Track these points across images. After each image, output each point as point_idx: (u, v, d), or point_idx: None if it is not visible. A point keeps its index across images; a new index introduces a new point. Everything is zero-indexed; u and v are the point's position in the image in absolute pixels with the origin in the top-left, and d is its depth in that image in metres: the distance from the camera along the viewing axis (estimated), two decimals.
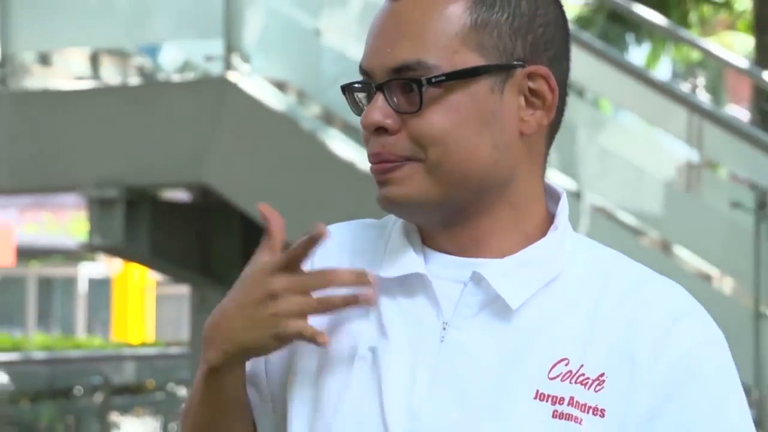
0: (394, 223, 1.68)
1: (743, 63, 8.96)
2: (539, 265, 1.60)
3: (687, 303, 1.62)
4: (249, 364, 1.68)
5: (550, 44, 1.61)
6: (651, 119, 7.68)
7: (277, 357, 1.68)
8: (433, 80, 1.55)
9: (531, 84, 1.59)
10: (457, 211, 1.59)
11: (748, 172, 6.65)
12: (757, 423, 5.59)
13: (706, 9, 14.39)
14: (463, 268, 1.60)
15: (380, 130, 1.58)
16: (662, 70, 16.57)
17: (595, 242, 1.67)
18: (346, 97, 1.64)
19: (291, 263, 1.58)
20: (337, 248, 1.67)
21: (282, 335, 1.58)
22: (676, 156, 7.09)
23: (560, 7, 1.64)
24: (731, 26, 17.25)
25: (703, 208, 6.64)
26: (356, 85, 1.62)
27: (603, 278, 1.61)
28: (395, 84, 1.57)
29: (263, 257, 1.60)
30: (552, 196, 1.66)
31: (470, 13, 1.57)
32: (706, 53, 9.40)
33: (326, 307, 1.58)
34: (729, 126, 6.70)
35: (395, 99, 1.57)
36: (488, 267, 1.58)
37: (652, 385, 1.55)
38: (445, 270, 1.61)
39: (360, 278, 1.57)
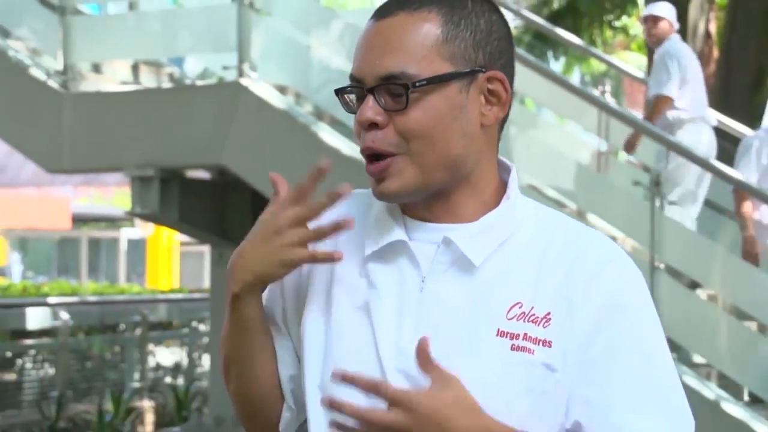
0: None
1: (639, 74, 8.98)
2: (496, 228, 1.60)
3: (613, 250, 1.63)
4: (267, 310, 1.69)
5: (502, 54, 1.62)
6: (568, 116, 7.69)
7: (291, 305, 1.69)
8: (417, 85, 1.55)
9: (489, 86, 1.60)
10: (435, 192, 1.59)
11: (644, 158, 6.67)
12: None
13: (608, 33, 14.40)
14: (436, 232, 1.61)
15: (372, 125, 1.58)
16: (574, 79, 16.61)
17: (541, 204, 1.67)
18: (339, 99, 1.64)
19: (300, 196, 1.59)
20: (334, 216, 1.65)
21: (288, 262, 1.59)
22: (588, 144, 7.11)
23: (507, 24, 1.65)
24: (627, 47, 17.28)
25: (609, 185, 6.66)
26: (348, 89, 1.62)
27: (547, 234, 1.61)
28: (383, 88, 1.57)
29: (271, 207, 1.61)
30: (504, 168, 1.66)
31: (441, 30, 1.57)
32: (611, 66, 9.43)
33: (319, 235, 1.59)
34: (629, 122, 6.72)
35: (383, 100, 1.57)
36: (456, 232, 1.59)
37: (586, 319, 1.56)
38: (422, 234, 1.62)
39: (331, 197, 1.59)
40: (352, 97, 1.62)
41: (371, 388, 1.49)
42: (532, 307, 1.56)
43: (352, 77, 1.60)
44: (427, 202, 1.61)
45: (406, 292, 1.59)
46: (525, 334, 1.54)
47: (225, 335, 1.69)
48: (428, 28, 1.57)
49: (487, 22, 1.60)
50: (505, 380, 1.53)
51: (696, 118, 6.95)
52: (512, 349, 1.54)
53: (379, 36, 1.58)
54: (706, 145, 6.84)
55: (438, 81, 1.56)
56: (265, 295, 1.70)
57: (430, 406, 1.48)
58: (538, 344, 1.54)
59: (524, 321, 1.55)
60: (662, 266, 5.87)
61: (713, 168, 6.16)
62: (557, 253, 1.59)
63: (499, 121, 1.63)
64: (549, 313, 1.55)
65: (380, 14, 1.60)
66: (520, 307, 1.56)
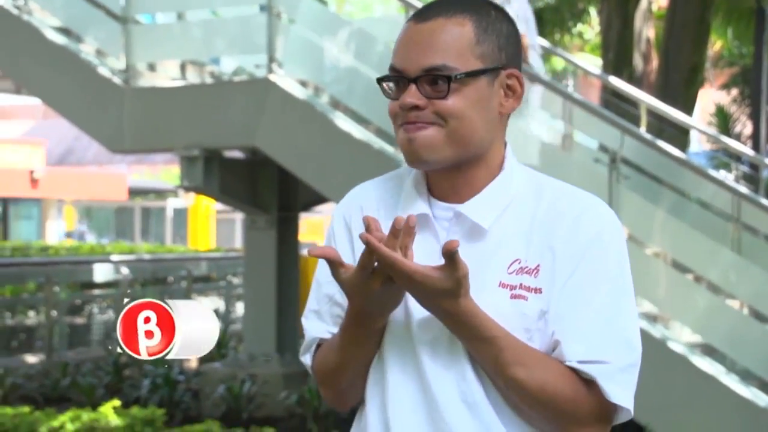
0: (408, 174, 1.67)
1: (596, 70, 8.93)
2: (498, 194, 1.60)
3: (592, 199, 1.62)
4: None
5: (516, 55, 1.63)
6: (538, 104, 7.62)
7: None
8: (458, 77, 1.56)
9: (509, 81, 1.61)
10: (459, 163, 1.59)
11: (603, 139, 6.62)
12: None
13: (567, 37, 14.38)
14: (450, 210, 1.61)
15: (413, 108, 1.56)
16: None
17: (534, 171, 1.67)
18: (380, 86, 1.61)
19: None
20: (375, 201, 1.67)
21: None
22: (556, 127, 7.05)
23: (518, 31, 1.65)
24: (582, 49, 17.24)
25: (574, 162, 6.61)
26: (389, 78, 1.60)
27: (539, 196, 1.60)
28: (425, 79, 1.56)
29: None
30: (504, 145, 1.66)
31: (474, 34, 1.58)
32: (571, 63, 9.37)
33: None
34: (589, 109, 6.68)
35: (425, 88, 1.56)
36: (464, 206, 1.59)
37: (569, 259, 1.55)
38: (440, 212, 1.62)
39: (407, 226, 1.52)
40: (391, 85, 1.60)
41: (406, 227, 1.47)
42: (527, 261, 1.56)
43: (393, 68, 1.59)
44: (450, 176, 1.60)
45: (431, 256, 1.57)
46: (521, 284, 1.55)
47: (340, 345, 1.62)
48: (463, 31, 1.57)
49: (507, 28, 1.62)
50: (506, 322, 1.54)
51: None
52: (511, 297, 1.55)
53: (420, 35, 1.58)
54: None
55: (473, 75, 1.57)
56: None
57: (466, 270, 1.48)
58: (531, 292, 1.55)
59: (520, 274, 1.56)
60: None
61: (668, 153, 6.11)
62: (545, 211, 1.59)
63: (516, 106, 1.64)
64: (539, 265, 1.56)
65: (421, 18, 1.59)
66: (519, 263, 1.56)
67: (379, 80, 1.62)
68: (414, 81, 1.56)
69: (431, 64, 1.56)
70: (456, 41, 1.57)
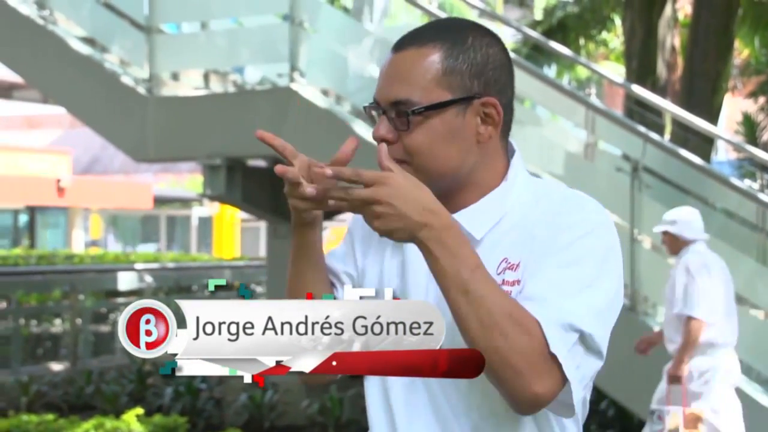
0: None
1: (619, 78, 8.90)
2: (493, 206, 1.60)
3: (581, 196, 1.60)
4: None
5: (498, 81, 1.60)
6: (561, 113, 7.61)
7: (360, 258, 1.72)
8: (416, 111, 1.55)
9: (485, 110, 1.58)
10: (441, 191, 1.57)
11: (626, 148, 6.59)
12: (631, 307, 5.57)
13: (591, 45, 14.32)
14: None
15: (384, 140, 1.57)
16: (564, 83, 16.52)
17: (538, 178, 1.66)
18: (365, 112, 1.65)
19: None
20: None
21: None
22: (578, 137, 7.03)
23: (505, 52, 1.62)
24: (606, 57, 17.19)
25: (596, 170, 6.59)
26: (371, 106, 1.62)
27: (535, 202, 1.59)
28: (393, 111, 1.57)
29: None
30: (513, 153, 1.65)
31: (442, 64, 1.56)
32: (595, 72, 9.34)
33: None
34: (612, 118, 6.66)
35: (393, 121, 1.57)
36: (458, 215, 1.59)
37: (543, 245, 1.54)
38: None
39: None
40: (375, 112, 1.62)
41: (352, 175, 1.47)
42: (511, 258, 1.56)
43: (374, 98, 1.61)
44: (440, 197, 1.58)
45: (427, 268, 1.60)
46: (504, 281, 1.55)
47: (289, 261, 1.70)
48: (431, 62, 1.56)
49: (484, 55, 1.58)
50: None
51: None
52: None
53: (392, 66, 1.59)
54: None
55: (435, 108, 1.55)
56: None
57: (399, 179, 1.46)
58: (511, 285, 1.54)
59: (506, 270, 1.56)
60: (640, 238, 5.82)
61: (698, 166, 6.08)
62: (538, 214, 1.58)
63: (499, 133, 1.61)
64: (520, 261, 1.55)
65: (396, 48, 1.60)
66: (505, 262, 1.57)
67: (365, 108, 1.64)
68: (384, 112, 1.58)
69: (396, 97, 1.56)
70: (421, 73, 1.55)
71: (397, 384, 1.60)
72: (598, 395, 7.68)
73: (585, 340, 1.47)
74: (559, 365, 1.43)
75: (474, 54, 1.57)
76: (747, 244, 6.19)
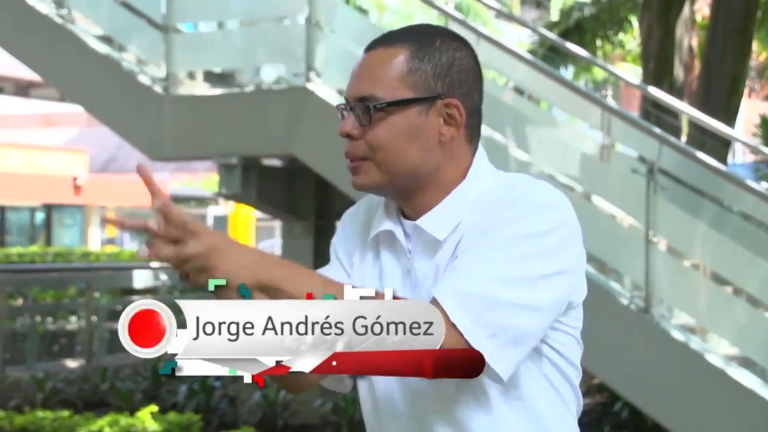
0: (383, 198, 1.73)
1: (635, 80, 8.87)
2: (453, 207, 1.63)
3: (534, 180, 1.62)
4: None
5: (463, 84, 1.63)
6: (576, 114, 7.59)
7: (344, 260, 1.76)
8: (377, 106, 1.59)
9: (447, 110, 1.62)
10: (403, 190, 1.63)
11: (642, 150, 6.57)
12: (645, 309, 5.55)
13: (608, 47, 14.30)
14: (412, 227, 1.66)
15: (349, 136, 1.62)
16: (580, 84, 16.46)
17: (502, 172, 1.67)
18: (337, 110, 1.68)
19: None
20: (362, 215, 1.75)
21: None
22: (594, 139, 7.01)
23: (474, 58, 1.65)
24: (623, 58, 17.15)
25: (611, 172, 6.57)
26: (342, 105, 1.66)
27: (493, 195, 1.61)
28: (359, 107, 1.61)
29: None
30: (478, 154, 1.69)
31: (407, 63, 1.61)
32: (611, 73, 9.32)
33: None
34: (628, 120, 6.64)
35: (359, 117, 1.61)
36: (420, 221, 1.63)
37: (476, 228, 1.58)
38: (408, 229, 1.66)
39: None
40: (345, 112, 1.66)
41: (177, 220, 1.51)
42: (459, 249, 1.60)
43: (344, 97, 1.66)
44: (404, 199, 1.65)
45: (402, 269, 1.66)
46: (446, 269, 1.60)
47: None
48: (397, 61, 1.61)
49: (450, 57, 1.62)
50: None
51: None
52: None
53: (362, 65, 1.64)
54: None
55: (397, 104, 1.59)
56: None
57: (213, 236, 1.50)
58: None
59: (452, 260, 1.60)
60: (656, 240, 5.80)
61: (709, 165, 6.05)
62: (489, 204, 1.60)
63: (464, 135, 1.63)
64: (464, 250, 1.58)
65: (367, 48, 1.66)
66: (456, 253, 1.61)
67: (336, 107, 1.69)
68: (350, 109, 1.62)
69: (362, 93, 1.60)
70: (387, 71, 1.60)
71: (381, 381, 1.64)
72: (612, 397, 7.66)
73: (498, 303, 1.48)
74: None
75: (440, 56, 1.61)
76: (764, 246, 6.16)
